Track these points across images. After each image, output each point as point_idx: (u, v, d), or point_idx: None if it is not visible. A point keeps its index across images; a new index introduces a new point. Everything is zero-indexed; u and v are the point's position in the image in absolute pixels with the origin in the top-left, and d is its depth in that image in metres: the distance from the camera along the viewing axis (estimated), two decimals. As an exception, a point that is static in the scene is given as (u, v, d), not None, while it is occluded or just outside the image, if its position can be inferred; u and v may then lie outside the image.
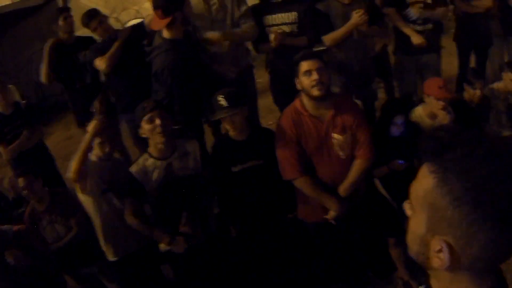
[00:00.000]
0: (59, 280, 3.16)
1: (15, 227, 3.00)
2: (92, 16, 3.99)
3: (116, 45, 3.75)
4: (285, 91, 3.63)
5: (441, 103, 3.23)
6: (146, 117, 2.65)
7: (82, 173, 2.90)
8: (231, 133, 2.88)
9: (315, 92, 2.60)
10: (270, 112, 4.80)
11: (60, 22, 4.20)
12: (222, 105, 2.73)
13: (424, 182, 0.82)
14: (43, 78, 4.24)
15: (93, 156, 3.01)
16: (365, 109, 3.83)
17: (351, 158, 2.77)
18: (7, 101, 4.03)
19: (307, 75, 2.62)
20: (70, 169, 2.87)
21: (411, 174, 0.88)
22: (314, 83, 2.59)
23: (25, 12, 7.28)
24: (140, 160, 2.77)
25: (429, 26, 4.07)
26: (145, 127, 2.67)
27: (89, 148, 2.91)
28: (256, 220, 3.01)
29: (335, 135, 2.70)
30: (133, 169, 2.75)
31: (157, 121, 2.64)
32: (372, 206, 3.02)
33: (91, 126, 2.91)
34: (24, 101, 4.23)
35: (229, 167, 2.87)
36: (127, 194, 2.81)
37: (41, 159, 4.16)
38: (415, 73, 4.30)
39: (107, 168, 3.02)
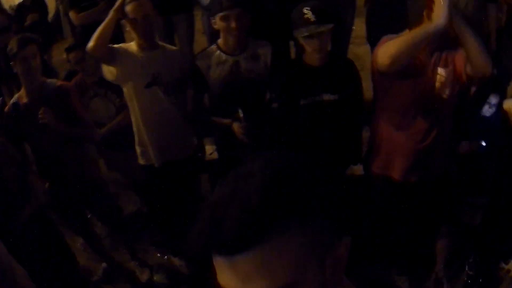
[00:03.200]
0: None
1: (59, 82, 2.87)
2: None
3: None
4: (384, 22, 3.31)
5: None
6: (221, 14, 2.45)
7: (108, 51, 2.53)
8: (310, 57, 2.48)
9: None
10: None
11: None
12: (309, 19, 2.31)
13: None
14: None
15: (134, 45, 2.65)
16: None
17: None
18: None
19: None
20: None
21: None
22: None
23: None
24: (207, 52, 2.63)
25: None
26: (218, 23, 2.51)
27: (114, 18, 2.48)
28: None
29: (440, 70, 2.33)
30: (198, 61, 2.62)
31: (233, 24, 2.45)
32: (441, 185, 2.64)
33: None
34: None
35: (298, 98, 2.50)
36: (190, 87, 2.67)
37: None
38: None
39: (152, 58, 2.64)
